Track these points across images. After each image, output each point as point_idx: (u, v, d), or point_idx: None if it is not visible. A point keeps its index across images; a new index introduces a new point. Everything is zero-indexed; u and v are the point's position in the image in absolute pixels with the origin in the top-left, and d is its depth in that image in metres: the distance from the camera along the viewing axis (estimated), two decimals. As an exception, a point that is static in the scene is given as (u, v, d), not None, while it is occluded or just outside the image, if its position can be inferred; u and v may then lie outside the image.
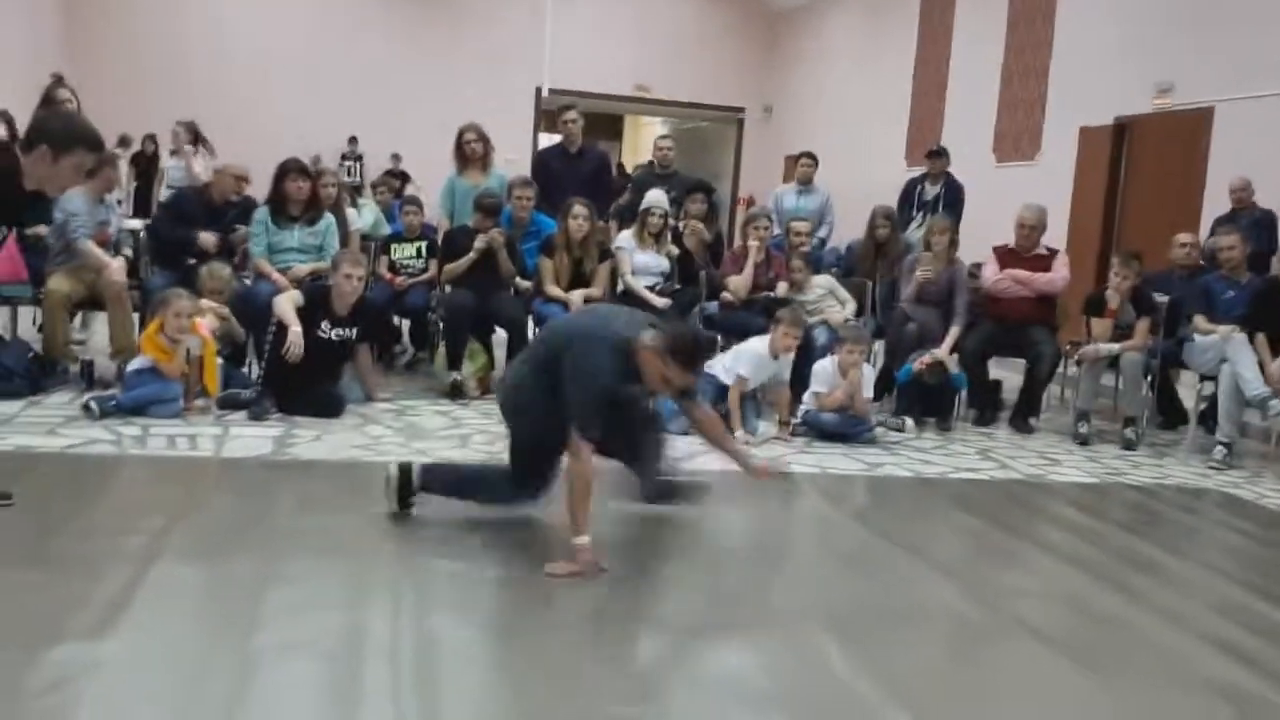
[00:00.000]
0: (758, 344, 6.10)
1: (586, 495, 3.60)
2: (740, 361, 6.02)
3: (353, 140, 15.54)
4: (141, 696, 2.66)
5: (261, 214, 6.53)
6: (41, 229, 6.28)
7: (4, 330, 6.45)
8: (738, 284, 6.95)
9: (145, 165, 13.26)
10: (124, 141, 12.41)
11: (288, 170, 6.53)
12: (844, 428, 6.06)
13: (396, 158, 15.11)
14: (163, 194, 10.17)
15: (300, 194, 6.52)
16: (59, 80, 8.00)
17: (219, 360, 5.80)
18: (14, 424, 5.16)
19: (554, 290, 6.77)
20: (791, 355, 6.22)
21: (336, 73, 15.68)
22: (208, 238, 6.48)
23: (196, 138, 10.73)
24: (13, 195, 3.60)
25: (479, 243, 6.70)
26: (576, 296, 6.70)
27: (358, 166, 15.10)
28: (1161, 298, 6.86)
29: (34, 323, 6.56)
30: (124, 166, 11.00)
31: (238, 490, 4.46)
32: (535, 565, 3.66)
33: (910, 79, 13.45)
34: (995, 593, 3.84)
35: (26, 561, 3.45)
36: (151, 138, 13.47)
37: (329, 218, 6.80)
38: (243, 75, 15.23)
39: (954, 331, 6.75)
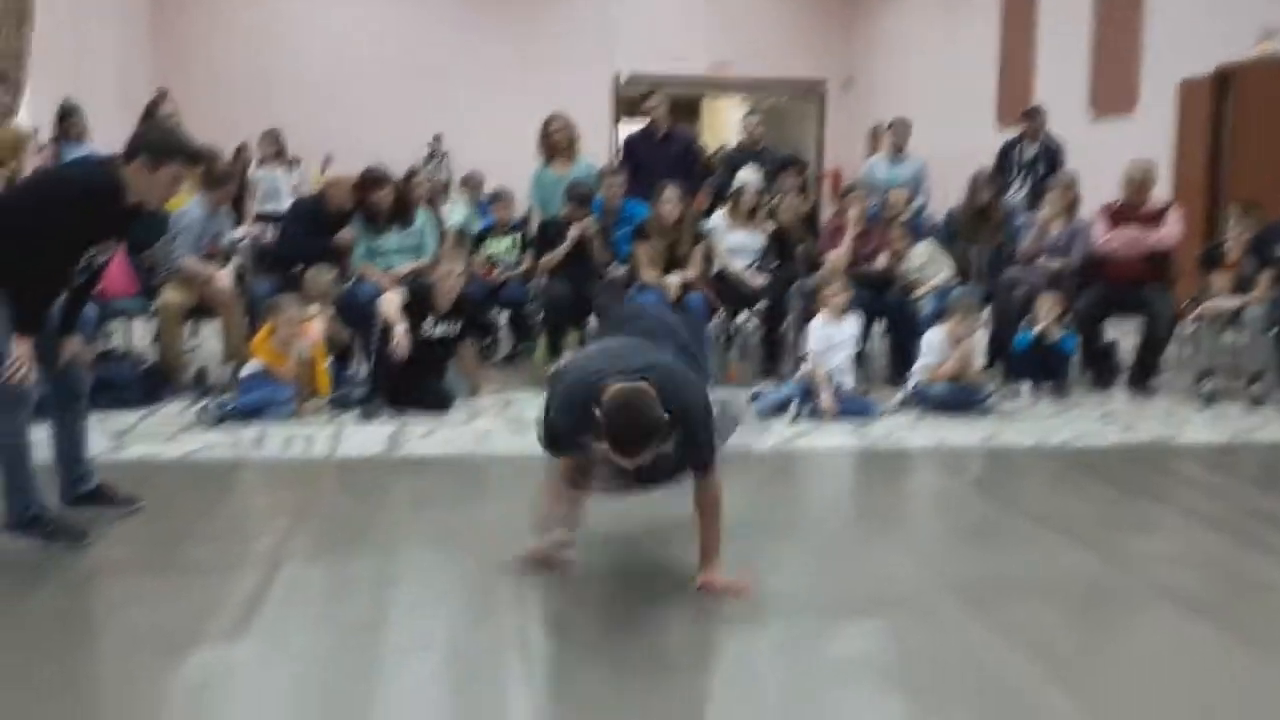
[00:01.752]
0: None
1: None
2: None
3: (436, 138, 15.64)
4: (278, 697, 2.68)
5: (357, 222, 6.61)
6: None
7: (118, 343, 6.60)
8: (836, 258, 6.82)
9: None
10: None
11: (365, 183, 6.58)
12: (958, 399, 5.91)
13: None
14: (258, 205, 10.31)
15: (383, 203, 6.57)
16: (163, 95, 8.17)
17: (328, 361, 5.87)
18: (134, 433, 5.27)
19: (649, 275, 6.72)
20: (853, 319, 6.19)
21: (412, 73, 15.78)
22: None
23: (280, 149, 10.91)
24: (117, 210, 3.64)
25: (572, 233, 6.68)
26: (673, 280, 6.64)
27: (444, 163, 15.19)
28: (1281, 248, 6.59)
29: (147, 335, 6.69)
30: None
31: (356, 490, 4.50)
32: (657, 553, 3.62)
33: (997, 38, 13.08)
34: (1133, 559, 3.71)
35: (159, 568, 3.51)
36: (242, 149, 13.69)
37: (425, 215, 6.85)
38: (322, 82, 15.43)
39: (1064, 262, 6.72)
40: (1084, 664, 2.90)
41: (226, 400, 5.57)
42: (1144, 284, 6.63)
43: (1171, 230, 6.73)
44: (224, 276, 6.16)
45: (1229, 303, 6.31)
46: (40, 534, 3.64)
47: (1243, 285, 6.38)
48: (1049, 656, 2.91)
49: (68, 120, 7.60)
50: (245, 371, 5.67)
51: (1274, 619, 3.23)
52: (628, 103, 15.01)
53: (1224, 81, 9.53)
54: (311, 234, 6.62)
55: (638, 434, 2.96)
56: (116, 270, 6.06)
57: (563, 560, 3.43)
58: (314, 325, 5.81)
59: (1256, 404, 6.21)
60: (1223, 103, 9.57)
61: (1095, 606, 3.35)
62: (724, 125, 20.67)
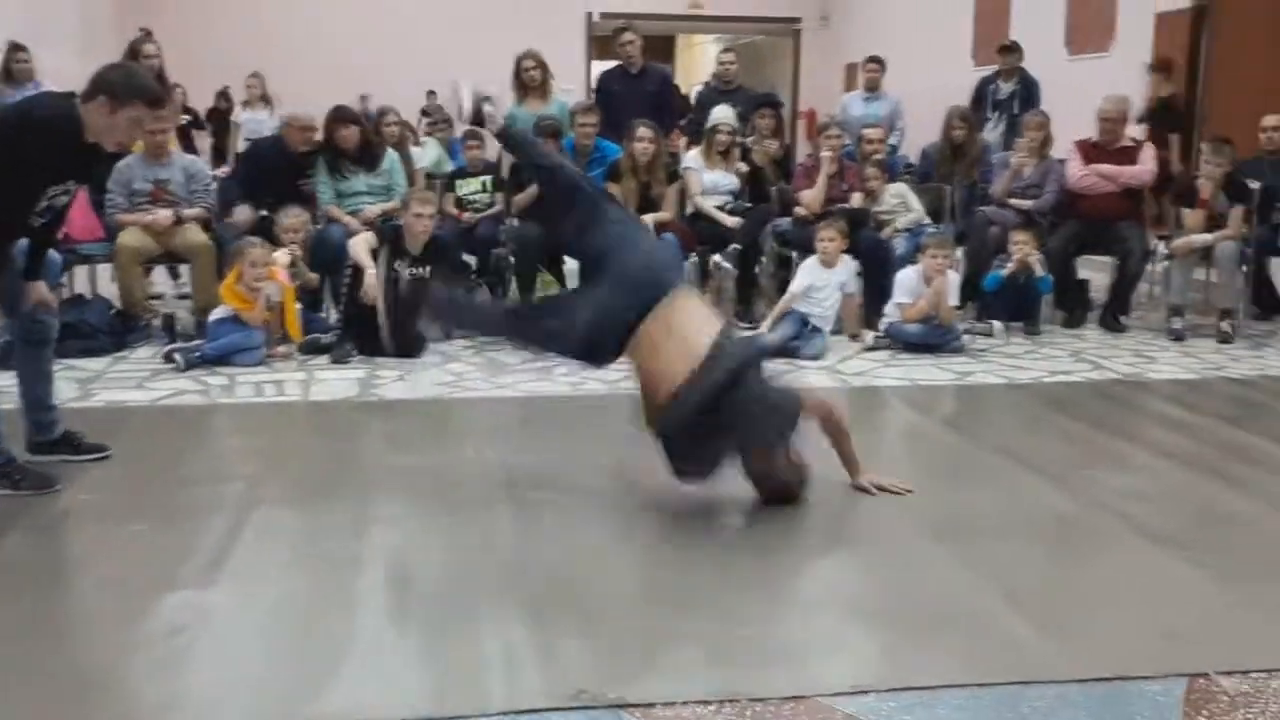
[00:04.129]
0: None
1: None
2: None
3: (431, 94, 15.19)
4: (254, 640, 2.68)
5: (321, 165, 6.53)
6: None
7: (84, 289, 6.52)
8: (811, 198, 6.79)
9: (218, 120, 13.23)
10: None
11: (332, 120, 6.52)
12: (930, 338, 5.93)
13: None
14: (240, 147, 10.20)
15: (348, 141, 6.48)
16: (147, 35, 7.99)
17: (298, 306, 5.82)
18: (103, 380, 5.23)
19: (623, 216, 6.66)
20: (850, 265, 6.20)
21: (390, 13, 15.54)
22: (241, 212, 6.45)
23: (264, 92, 10.79)
24: (76, 148, 3.56)
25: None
26: (647, 220, 6.59)
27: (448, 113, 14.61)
28: (1254, 184, 6.60)
29: (112, 279, 6.62)
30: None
31: (328, 433, 4.48)
32: (621, 491, 3.63)
33: (973, -26, 12.98)
34: (1101, 494, 3.73)
35: (131, 513, 3.49)
36: (224, 94, 13.42)
37: (392, 155, 6.78)
38: (301, 24, 15.22)
39: (1035, 204, 6.77)
40: (1051, 597, 2.93)
41: (195, 346, 5.53)
42: (1117, 221, 6.65)
43: (1145, 167, 6.73)
44: (163, 217, 6.05)
45: (1200, 239, 6.32)
46: (8, 482, 3.61)
47: (1215, 222, 6.39)
48: (1017, 590, 2.93)
49: (10, 61, 7.42)
50: (213, 317, 5.61)
51: (1239, 550, 3.27)
52: (602, 42, 14.84)
53: (1200, 14, 9.49)
54: (268, 176, 6.52)
55: None
56: (80, 214, 5.99)
57: None
58: (281, 269, 5.75)
59: (1226, 341, 6.25)
60: (1199, 35, 9.52)
61: (1064, 541, 3.39)
62: (699, 64, 20.46)
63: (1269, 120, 7.01)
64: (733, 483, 3.49)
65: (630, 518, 3.46)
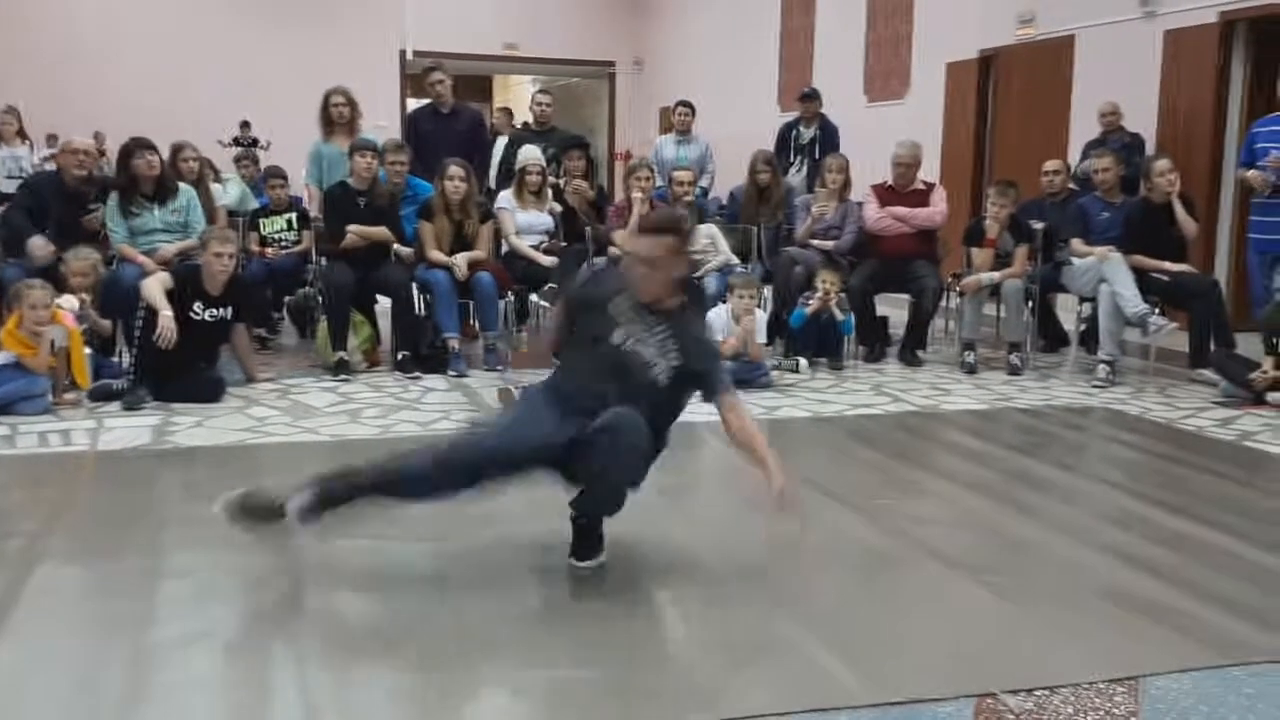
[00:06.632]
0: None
1: None
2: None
3: (244, 125, 14.69)
4: (35, 704, 2.50)
5: (112, 201, 6.25)
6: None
7: None
8: (624, 237, 6.87)
9: None
10: None
11: (132, 149, 6.26)
12: (740, 374, 6.03)
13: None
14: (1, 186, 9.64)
15: (151, 170, 6.24)
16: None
17: (87, 350, 5.52)
18: None
19: (436, 255, 6.59)
20: None
21: (187, 48, 15.05)
22: (37, 245, 6.00)
23: (19, 126, 10.25)
24: None
25: (352, 230, 6.46)
26: (461, 260, 6.54)
27: (254, 152, 14.24)
28: (1037, 224, 7.01)
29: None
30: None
31: (118, 484, 4.26)
32: (438, 535, 3.56)
33: (778, 23, 13.47)
34: (901, 522, 3.87)
35: (-108, 576, 3.23)
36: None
37: (188, 191, 6.55)
38: (91, 56, 14.57)
39: (835, 245, 7.06)
40: (854, 623, 3.01)
41: (-28, 396, 5.18)
42: (913, 260, 6.96)
43: (937, 209, 7.07)
44: None
45: (988, 277, 6.67)
46: None
47: (1002, 261, 6.75)
48: (822, 618, 3.00)
49: None
50: (-7, 364, 5.28)
51: (1026, 573, 3.43)
52: (417, 80, 14.73)
53: (987, 64, 10.08)
54: (42, 212, 6.20)
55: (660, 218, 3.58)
56: None
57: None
58: (66, 313, 5.45)
59: (1015, 373, 6.60)
60: (986, 84, 10.11)
61: (866, 568, 3.48)
62: (516, 105, 20.49)
63: (1050, 165, 7.48)
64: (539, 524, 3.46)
65: (440, 560, 3.40)
